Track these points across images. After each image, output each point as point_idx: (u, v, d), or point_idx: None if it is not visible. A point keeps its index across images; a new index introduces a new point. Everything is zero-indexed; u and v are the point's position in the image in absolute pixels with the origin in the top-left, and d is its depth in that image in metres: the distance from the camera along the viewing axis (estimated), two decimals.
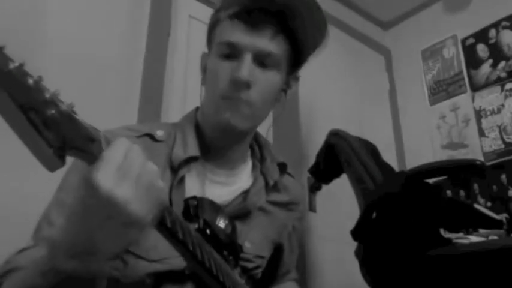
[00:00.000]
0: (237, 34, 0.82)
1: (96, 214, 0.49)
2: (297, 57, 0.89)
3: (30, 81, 0.43)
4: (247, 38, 0.81)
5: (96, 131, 0.51)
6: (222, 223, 0.78)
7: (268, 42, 0.82)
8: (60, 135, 0.45)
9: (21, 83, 0.42)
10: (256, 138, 0.98)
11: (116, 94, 1.63)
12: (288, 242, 1.04)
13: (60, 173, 0.49)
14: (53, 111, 0.44)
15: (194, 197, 0.78)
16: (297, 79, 0.95)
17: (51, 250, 0.54)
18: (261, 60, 0.82)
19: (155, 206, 0.53)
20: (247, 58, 0.81)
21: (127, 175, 0.49)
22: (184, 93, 1.84)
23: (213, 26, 0.88)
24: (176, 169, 0.83)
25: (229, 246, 0.78)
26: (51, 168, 0.46)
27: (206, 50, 0.93)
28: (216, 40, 0.86)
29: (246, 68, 0.80)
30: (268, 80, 0.84)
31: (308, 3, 0.83)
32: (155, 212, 0.53)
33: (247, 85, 0.80)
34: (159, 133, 0.87)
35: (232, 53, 0.82)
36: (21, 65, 0.42)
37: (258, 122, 0.89)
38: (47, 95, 0.44)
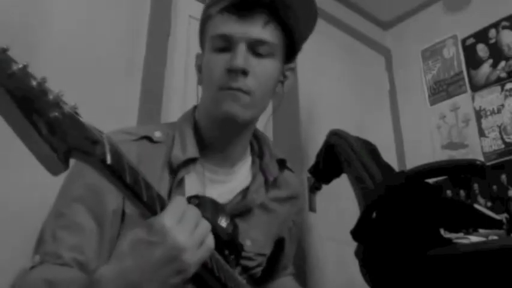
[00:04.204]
0: (229, 25, 0.82)
1: (156, 257, 0.54)
2: (290, 46, 0.89)
3: (34, 83, 0.42)
4: (239, 28, 0.81)
5: (100, 132, 0.50)
6: (223, 222, 0.77)
7: (261, 31, 0.82)
8: (63, 138, 0.44)
9: (24, 84, 0.41)
10: (255, 134, 0.98)
11: (116, 94, 1.63)
12: (289, 235, 1.04)
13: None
14: (56, 113, 0.43)
15: (196, 196, 0.77)
16: (292, 69, 0.94)
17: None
18: (255, 49, 0.82)
19: (202, 260, 0.59)
20: (241, 47, 0.81)
21: (187, 224, 0.56)
22: (184, 93, 1.83)
23: (204, 23, 0.88)
24: (175, 170, 0.83)
25: (230, 245, 0.78)
26: (55, 172, 0.45)
27: None
28: (209, 35, 0.86)
29: (241, 56, 0.80)
30: (264, 67, 0.83)
31: None
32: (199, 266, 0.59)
33: (243, 72, 0.80)
34: (157, 134, 0.86)
35: (226, 45, 0.82)
36: (25, 67, 0.41)
37: (258, 112, 0.88)
38: (51, 97, 0.43)
